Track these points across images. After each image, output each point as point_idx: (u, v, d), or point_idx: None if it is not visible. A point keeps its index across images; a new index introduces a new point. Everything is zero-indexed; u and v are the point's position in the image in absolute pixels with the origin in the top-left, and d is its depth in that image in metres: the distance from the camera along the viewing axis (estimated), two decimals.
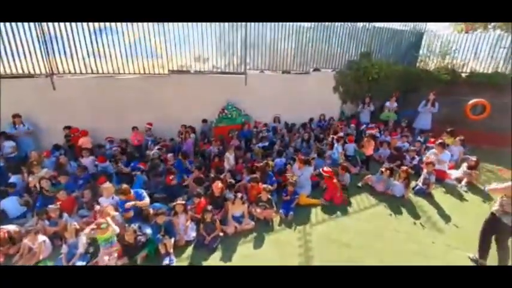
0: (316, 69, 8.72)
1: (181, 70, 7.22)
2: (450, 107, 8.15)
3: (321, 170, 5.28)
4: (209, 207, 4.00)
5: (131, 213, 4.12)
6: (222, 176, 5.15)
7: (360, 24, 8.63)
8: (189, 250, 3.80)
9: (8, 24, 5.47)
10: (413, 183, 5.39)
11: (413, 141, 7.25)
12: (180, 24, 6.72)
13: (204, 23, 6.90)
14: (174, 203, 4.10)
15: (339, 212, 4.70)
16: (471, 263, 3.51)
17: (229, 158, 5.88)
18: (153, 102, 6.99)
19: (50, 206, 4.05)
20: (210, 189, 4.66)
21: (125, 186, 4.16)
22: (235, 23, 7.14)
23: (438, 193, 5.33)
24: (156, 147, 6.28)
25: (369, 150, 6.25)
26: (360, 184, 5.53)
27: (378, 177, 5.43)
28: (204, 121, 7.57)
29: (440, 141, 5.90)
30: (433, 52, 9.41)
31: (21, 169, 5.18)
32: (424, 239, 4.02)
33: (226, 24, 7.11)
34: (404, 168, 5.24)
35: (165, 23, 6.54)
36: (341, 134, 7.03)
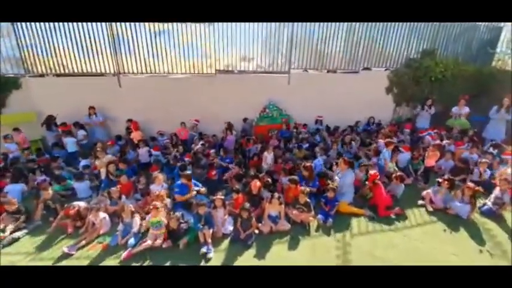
0: (366, 68, 8.11)
1: (227, 70, 7.49)
2: None
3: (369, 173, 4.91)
4: (247, 205, 4.06)
5: (185, 198, 4.57)
6: (260, 175, 5.20)
7: None
8: (225, 243, 3.93)
9: (85, 27, 6.40)
10: (481, 202, 4.65)
11: (484, 152, 6.20)
12: (229, 24, 6.97)
13: (251, 23, 7.02)
14: (214, 197, 4.29)
15: (385, 226, 4.29)
16: None
17: (268, 157, 5.90)
18: (200, 100, 7.42)
19: (112, 188, 4.64)
20: (248, 187, 4.74)
21: (188, 173, 4.76)
22: (282, 22, 7.09)
23: None
24: (200, 142, 6.65)
25: (431, 161, 5.52)
26: (421, 202, 4.85)
27: (435, 189, 4.80)
28: (245, 120, 7.73)
29: None
30: None
31: (91, 154, 6.04)
32: None
33: (273, 23, 7.10)
34: (470, 185, 4.48)
35: (215, 24, 6.86)
36: (393, 139, 6.33)
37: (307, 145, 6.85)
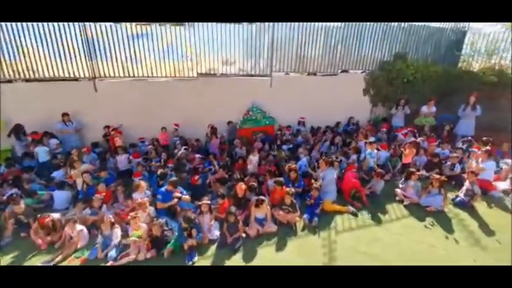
0: (344, 71, 8.42)
1: (209, 73, 7.44)
2: (497, 111, 7.36)
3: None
4: (233, 209, 4.03)
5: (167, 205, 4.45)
6: (246, 178, 5.19)
7: (395, 23, 8.17)
8: (212, 249, 3.86)
9: (56, 28, 6.08)
10: (453, 195, 4.95)
11: (454, 148, 6.64)
12: (210, 27, 6.94)
13: (232, 26, 7.05)
14: (200, 203, 4.22)
15: (367, 221, 4.45)
16: None
17: (253, 159, 5.91)
18: (182, 104, 7.27)
19: (96, 195, 4.40)
20: (234, 190, 4.70)
21: (174, 179, 4.63)
22: (262, 25, 7.19)
23: (482, 206, 4.81)
24: (183, 147, 6.51)
25: (408, 158, 5.85)
26: (398, 198, 5.06)
27: (403, 186, 5.08)
28: (229, 123, 7.71)
29: (487, 148, 5.34)
30: (477, 51, 8.61)
31: (66, 164, 5.69)
32: (465, 257, 3.65)
33: (254, 26, 7.18)
34: (436, 176, 4.78)
35: (196, 28, 6.81)
36: (372, 139, 6.64)
37: (290, 146, 6.95)
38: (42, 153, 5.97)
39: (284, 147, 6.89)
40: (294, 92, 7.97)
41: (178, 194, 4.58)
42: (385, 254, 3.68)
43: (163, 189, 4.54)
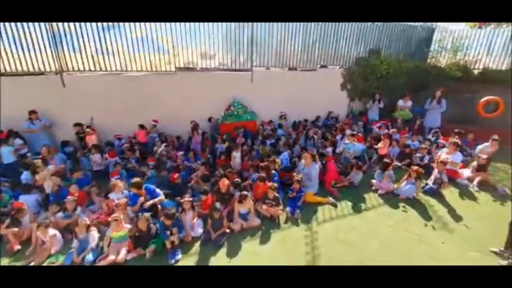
0: (323, 66, 8.60)
1: (188, 67, 7.22)
2: (462, 104, 7.94)
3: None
4: (218, 205, 4.00)
5: (138, 207, 4.18)
6: (228, 171, 5.16)
7: None
8: (196, 246, 3.83)
9: (19, 22, 5.55)
10: (424, 183, 5.30)
11: (424, 139, 7.12)
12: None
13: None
14: (182, 200, 4.14)
15: (346, 211, 4.65)
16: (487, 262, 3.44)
17: (236, 156, 5.88)
18: (160, 99, 7.01)
19: (68, 197, 4.15)
20: (216, 186, 4.67)
21: (138, 179, 4.27)
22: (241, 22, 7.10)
23: (449, 193, 5.22)
24: (163, 145, 6.32)
25: (384, 149, 6.18)
26: (374, 187, 5.32)
27: (379, 175, 5.35)
28: (210, 119, 7.59)
29: (454, 140, 5.76)
30: (444, 48, 9.17)
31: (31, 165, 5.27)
32: (435, 240, 3.94)
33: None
34: (414, 167, 5.11)
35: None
36: (349, 131, 6.89)
37: (273, 141, 7.00)
38: (6, 153, 5.47)
39: (267, 142, 6.93)
40: (275, 87, 8.01)
41: (150, 202, 4.18)
42: (363, 241, 3.89)
43: (131, 193, 4.27)
